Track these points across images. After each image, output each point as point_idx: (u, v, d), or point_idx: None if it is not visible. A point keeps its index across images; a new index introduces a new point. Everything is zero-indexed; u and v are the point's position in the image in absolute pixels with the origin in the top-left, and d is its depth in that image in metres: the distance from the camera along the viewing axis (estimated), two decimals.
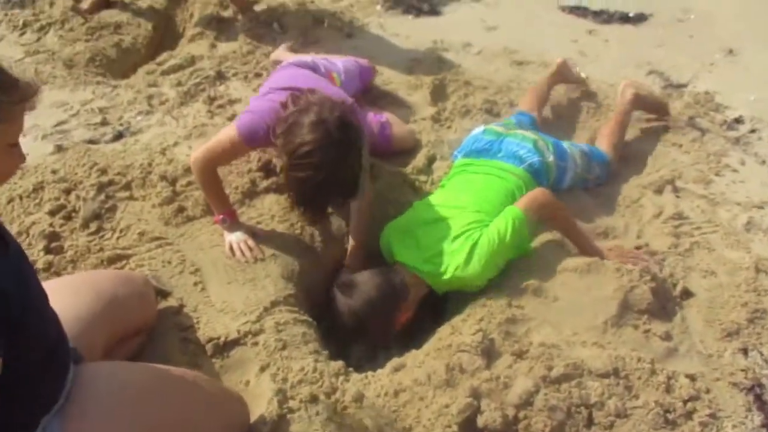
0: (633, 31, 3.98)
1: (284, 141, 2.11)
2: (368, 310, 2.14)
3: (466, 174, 2.54)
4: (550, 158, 2.55)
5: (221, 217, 2.34)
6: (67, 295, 1.76)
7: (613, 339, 1.98)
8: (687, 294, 2.22)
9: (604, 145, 2.79)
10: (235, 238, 2.32)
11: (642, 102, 3.02)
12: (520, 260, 2.23)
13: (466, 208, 2.32)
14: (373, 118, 2.79)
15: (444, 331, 2.08)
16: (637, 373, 1.86)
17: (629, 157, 2.86)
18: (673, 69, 3.61)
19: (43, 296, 1.44)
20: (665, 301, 2.15)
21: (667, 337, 2.03)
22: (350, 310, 2.16)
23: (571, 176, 2.61)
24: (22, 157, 1.41)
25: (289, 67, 2.67)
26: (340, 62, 2.90)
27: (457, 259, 2.15)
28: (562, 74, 3.22)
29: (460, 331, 2.00)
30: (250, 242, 2.32)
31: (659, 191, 2.66)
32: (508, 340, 1.97)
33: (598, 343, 1.95)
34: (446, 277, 2.17)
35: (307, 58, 2.79)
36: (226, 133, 2.30)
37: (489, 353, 1.92)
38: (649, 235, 2.45)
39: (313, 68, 2.64)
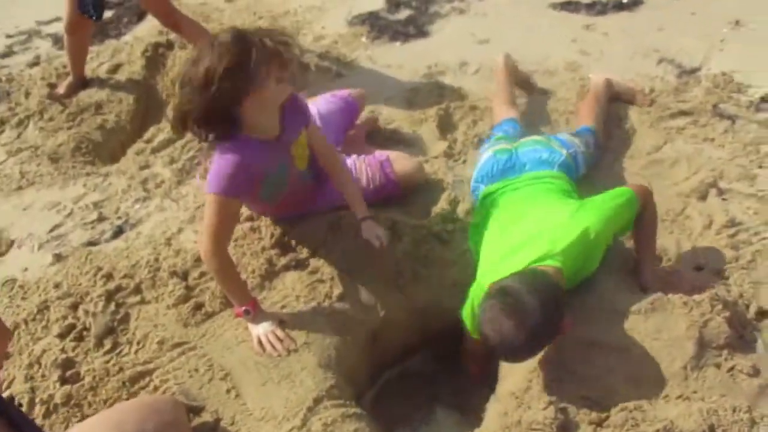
0: (630, 17, 3.79)
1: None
2: (541, 319, 1.73)
3: (507, 194, 2.34)
4: (564, 151, 2.46)
5: (243, 309, 2.15)
6: None
7: (698, 386, 1.78)
8: (762, 314, 2.03)
9: (583, 120, 2.77)
10: (262, 330, 2.13)
11: (613, 87, 3.04)
12: (577, 308, 2.03)
13: (539, 200, 2.23)
14: (372, 160, 2.61)
15: (508, 402, 1.89)
16: (736, 427, 1.66)
17: (661, 163, 2.67)
18: (683, 53, 3.42)
19: None
20: (742, 329, 1.95)
21: (755, 372, 1.82)
22: (518, 325, 1.71)
23: (582, 159, 2.53)
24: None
25: None
26: (316, 107, 2.70)
27: (569, 218, 2.03)
28: (510, 68, 3.12)
29: (528, 405, 1.80)
30: (279, 332, 2.13)
31: (703, 197, 2.46)
32: (582, 407, 1.77)
33: (684, 395, 1.75)
34: (567, 241, 1.95)
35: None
36: (209, 206, 2.07)
37: (565, 427, 1.73)
38: (704, 251, 2.25)
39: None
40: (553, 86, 3.22)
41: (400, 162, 2.63)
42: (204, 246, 2.11)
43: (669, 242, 2.31)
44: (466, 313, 2.09)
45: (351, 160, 2.60)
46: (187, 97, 1.97)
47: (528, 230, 2.07)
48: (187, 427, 1.86)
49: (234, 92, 1.93)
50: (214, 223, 2.07)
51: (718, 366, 1.84)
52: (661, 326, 1.90)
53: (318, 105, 2.75)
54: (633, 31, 3.63)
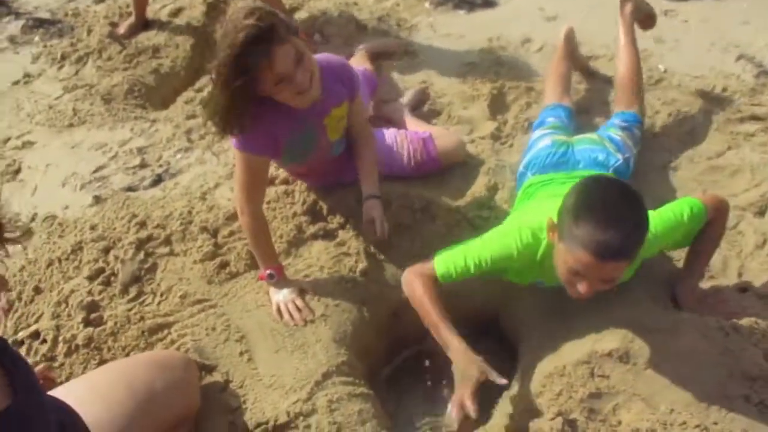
0: (715, 7, 3.52)
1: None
2: (642, 201, 1.66)
3: (553, 186, 2.22)
4: (620, 155, 2.34)
5: (268, 272, 2.15)
6: (99, 399, 1.61)
7: (720, 417, 1.68)
8: None
9: (626, 99, 2.62)
10: (282, 297, 2.13)
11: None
12: (599, 314, 1.94)
13: None
14: (415, 136, 2.56)
15: (518, 404, 1.83)
16: None
17: (721, 171, 2.50)
18: (766, 50, 3.17)
19: None
20: None
21: None
22: (637, 208, 1.63)
23: (633, 162, 2.41)
24: None
25: None
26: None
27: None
28: (571, 43, 2.97)
29: (537, 412, 1.75)
30: (299, 302, 2.12)
31: (761, 213, 2.30)
32: (593, 421, 1.71)
33: (703, 425, 1.66)
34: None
35: None
36: (237, 161, 2.10)
37: None
38: (752, 272, 2.11)
39: None
40: None
41: (443, 139, 2.58)
42: (237, 201, 2.14)
43: (716, 258, 2.16)
44: (454, 253, 1.96)
45: (392, 134, 2.54)
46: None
47: None
48: (197, 387, 1.88)
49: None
50: (243, 179, 2.10)
51: (746, 399, 1.73)
52: (691, 348, 1.80)
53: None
54: (715, 22, 3.38)
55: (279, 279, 2.15)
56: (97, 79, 3.34)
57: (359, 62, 2.95)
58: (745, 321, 1.85)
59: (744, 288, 2.06)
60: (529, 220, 1.94)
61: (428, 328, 1.92)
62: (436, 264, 1.97)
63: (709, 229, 2.00)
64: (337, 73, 2.16)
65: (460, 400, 1.67)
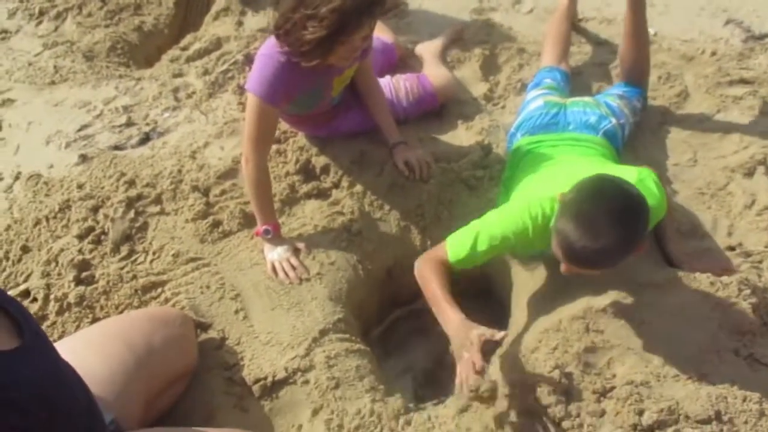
0: None
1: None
2: (644, 207, 1.60)
3: (543, 148, 2.22)
4: (614, 120, 2.33)
5: (264, 228, 2.14)
6: (96, 354, 1.59)
7: (711, 370, 1.73)
8: None
9: (632, 77, 2.53)
10: (277, 255, 2.12)
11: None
12: (597, 276, 1.96)
13: (588, 159, 2.12)
14: (409, 74, 2.63)
15: (514, 361, 1.86)
16: (743, 417, 1.61)
17: (710, 133, 2.52)
18: (754, 15, 3.18)
19: (68, 385, 1.26)
20: (767, 317, 1.87)
21: None
22: (628, 222, 1.57)
23: (628, 130, 2.40)
24: None
25: None
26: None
27: (638, 182, 1.80)
28: (574, 4, 2.96)
29: (533, 365, 1.77)
30: (294, 260, 2.12)
31: (750, 174, 2.32)
32: (588, 374, 1.74)
33: (695, 377, 1.70)
34: None
35: None
36: (249, 108, 2.10)
37: (568, 392, 1.70)
38: (741, 232, 2.14)
39: None
40: (610, 36, 3.04)
41: (436, 76, 2.67)
42: (244, 150, 2.13)
43: (706, 217, 2.20)
44: (466, 233, 1.89)
45: (386, 80, 2.56)
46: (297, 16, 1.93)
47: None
48: (194, 342, 1.88)
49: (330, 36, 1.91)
50: (253, 128, 2.10)
51: (736, 352, 1.78)
52: (683, 304, 1.84)
53: None
54: None
55: (275, 236, 2.14)
56: (77, 36, 3.25)
57: (378, 31, 2.90)
58: (734, 277, 1.89)
59: (732, 247, 2.10)
60: (537, 192, 1.92)
61: (432, 309, 1.84)
62: (447, 248, 1.90)
63: None
64: None
65: (469, 366, 1.59)
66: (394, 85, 2.56)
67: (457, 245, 1.89)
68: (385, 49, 2.75)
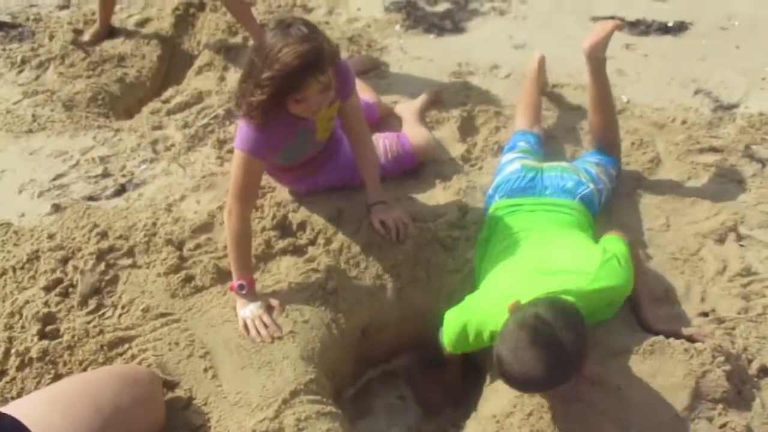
0: (673, 43, 3.67)
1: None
2: (571, 357, 1.63)
3: (521, 213, 2.27)
4: (592, 185, 2.37)
5: (239, 282, 2.10)
6: (62, 417, 1.53)
7: None
8: (765, 371, 1.93)
9: (603, 145, 2.59)
10: (249, 312, 2.08)
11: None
12: None
13: (561, 229, 2.16)
14: (388, 133, 2.67)
15: (487, 425, 1.83)
16: None
17: (682, 199, 2.57)
18: (722, 86, 3.30)
19: None
20: (741, 384, 1.87)
21: (747, 431, 1.75)
22: (549, 360, 1.59)
23: (605, 195, 2.44)
24: None
25: None
26: None
27: (602, 264, 1.92)
28: (542, 71, 3.06)
29: (507, 430, 1.74)
30: (266, 318, 2.08)
31: (721, 241, 2.36)
32: None
33: None
34: (596, 286, 1.86)
35: None
36: (235, 162, 2.12)
37: None
38: (714, 297, 2.16)
39: None
40: (583, 102, 3.11)
41: (415, 135, 2.71)
42: (229, 203, 2.13)
43: (679, 283, 2.22)
44: (455, 321, 2.00)
45: None
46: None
47: (552, 260, 1.98)
48: (162, 402, 1.82)
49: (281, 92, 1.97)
50: (239, 182, 2.11)
51: (710, 420, 1.76)
52: (657, 371, 1.83)
53: None
54: (674, 57, 3.51)
55: (249, 291, 2.11)
56: (58, 86, 3.25)
57: (360, 91, 2.94)
58: (708, 344, 1.89)
59: (705, 313, 2.11)
60: (502, 286, 2.00)
61: None
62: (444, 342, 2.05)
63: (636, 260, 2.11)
64: (336, 74, 2.13)
65: None
66: (373, 141, 2.58)
67: (448, 340, 2.03)
68: (366, 109, 2.78)
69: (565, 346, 1.60)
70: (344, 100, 2.24)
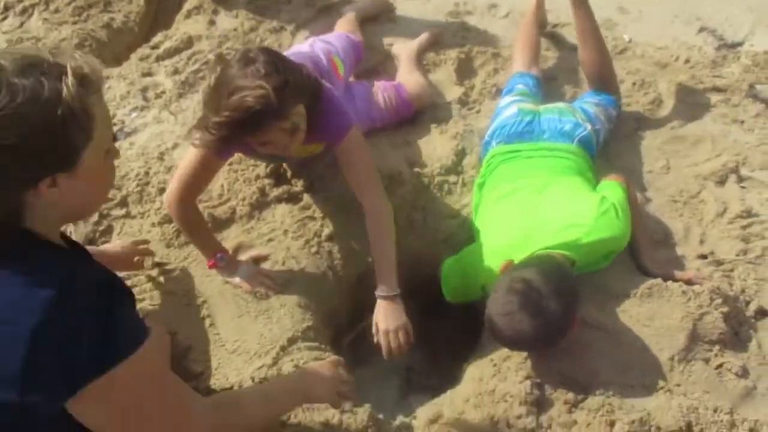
0: None
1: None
2: (560, 320, 1.66)
3: (519, 159, 2.22)
4: (589, 126, 2.32)
5: (215, 258, 2.04)
6: None
7: (682, 379, 1.72)
8: (762, 313, 1.94)
9: (599, 82, 2.56)
10: (245, 275, 2.04)
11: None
12: None
13: (558, 177, 2.11)
14: (386, 84, 2.59)
15: (485, 368, 1.83)
16: (714, 428, 1.61)
17: (683, 140, 2.52)
18: (727, 24, 3.20)
19: None
20: (738, 326, 1.87)
21: (744, 373, 1.76)
22: (539, 324, 1.63)
23: (603, 137, 2.40)
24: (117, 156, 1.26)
25: None
26: (336, 41, 2.57)
27: (598, 215, 1.90)
28: (542, 9, 2.96)
29: (505, 375, 1.75)
30: (263, 272, 2.06)
31: (722, 182, 2.33)
32: (561, 386, 1.71)
33: (666, 387, 1.70)
34: (593, 238, 1.86)
35: (305, 47, 2.43)
36: (191, 159, 1.94)
37: (539, 403, 1.68)
38: (713, 240, 2.15)
39: (315, 62, 2.26)
40: None
41: (411, 84, 2.64)
42: (172, 192, 1.97)
43: (678, 225, 2.20)
44: (452, 271, 2.00)
45: (365, 86, 2.55)
46: None
47: (547, 212, 1.96)
48: (168, 352, 1.82)
49: None
50: (189, 173, 1.95)
51: (706, 362, 1.77)
52: (655, 313, 1.83)
53: (336, 39, 2.59)
54: None
55: (230, 259, 2.07)
56: (44, 32, 3.15)
57: (347, 27, 2.85)
58: (706, 286, 1.88)
59: (704, 255, 2.09)
60: (496, 236, 2.02)
61: None
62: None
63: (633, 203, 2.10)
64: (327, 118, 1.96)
65: None
66: (373, 94, 2.53)
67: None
68: (353, 47, 2.69)
69: (553, 313, 1.63)
70: (335, 143, 2.00)
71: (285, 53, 2.30)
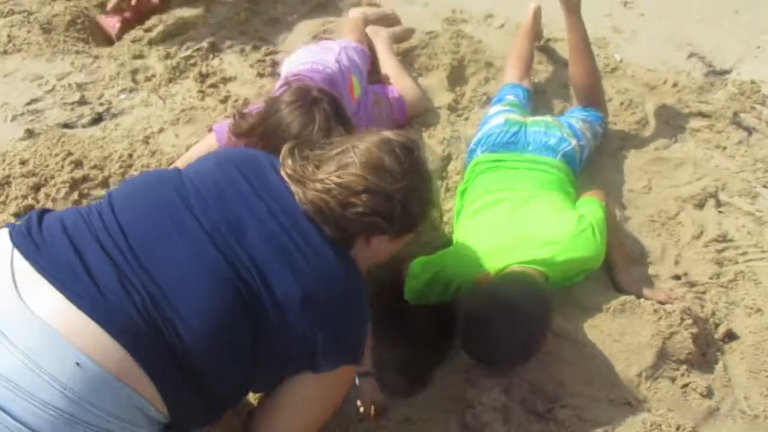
0: (672, 2, 3.59)
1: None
2: (534, 341, 1.71)
3: (502, 169, 2.24)
4: (574, 141, 2.33)
5: None
6: None
7: (648, 396, 1.75)
8: (730, 336, 1.98)
9: (587, 98, 2.60)
10: None
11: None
12: None
13: (539, 191, 2.12)
14: (389, 95, 2.61)
15: (455, 374, 1.84)
16: None
17: (666, 162, 2.56)
18: (716, 51, 3.26)
19: None
20: (706, 347, 1.90)
21: (708, 393, 1.79)
22: (514, 344, 1.68)
23: (587, 153, 2.43)
24: None
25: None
26: (360, 59, 2.56)
27: (575, 234, 1.92)
28: (538, 23, 2.99)
29: (474, 381, 1.76)
30: None
31: (700, 206, 2.37)
32: (532, 393, 1.73)
33: (631, 402, 1.72)
34: (568, 256, 1.89)
35: (331, 58, 2.37)
36: (204, 140, 2.04)
37: (506, 410, 1.69)
38: (688, 261, 2.18)
39: (333, 82, 2.23)
40: None
41: (409, 96, 2.65)
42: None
43: (655, 245, 2.23)
44: (423, 269, 1.98)
45: (370, 97, 2.54)
46: None
47: (526, 227, 1.97)
48: None
49: None
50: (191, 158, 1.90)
51: (673, 380, 1.80)
52: (626, 329, 1.85)
53: (353, 51, 2.57)
54: (671, 17, 3.46)
55: None
56: (36, 6, 3.11)
57: (359, 36, 2.79)
58: (677, 306, 1.91)
59: (678, 276, 2.13)
60: (475, 245, 2.01)
61: None
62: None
63: (612, 221, 2.12)
64: None
65: None
66: (378, 104, 2.55)
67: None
68: (368, 62, 2.69)
69: (524, 333, 1.67)
70: None
71: (313, 56, 2.35)
